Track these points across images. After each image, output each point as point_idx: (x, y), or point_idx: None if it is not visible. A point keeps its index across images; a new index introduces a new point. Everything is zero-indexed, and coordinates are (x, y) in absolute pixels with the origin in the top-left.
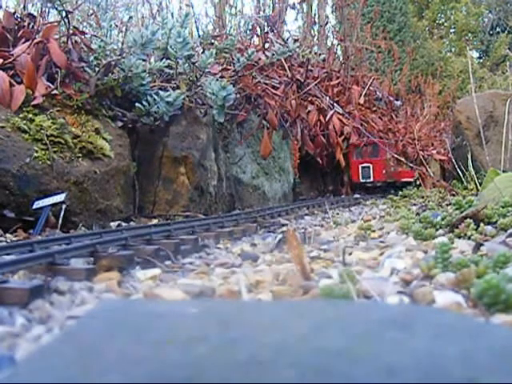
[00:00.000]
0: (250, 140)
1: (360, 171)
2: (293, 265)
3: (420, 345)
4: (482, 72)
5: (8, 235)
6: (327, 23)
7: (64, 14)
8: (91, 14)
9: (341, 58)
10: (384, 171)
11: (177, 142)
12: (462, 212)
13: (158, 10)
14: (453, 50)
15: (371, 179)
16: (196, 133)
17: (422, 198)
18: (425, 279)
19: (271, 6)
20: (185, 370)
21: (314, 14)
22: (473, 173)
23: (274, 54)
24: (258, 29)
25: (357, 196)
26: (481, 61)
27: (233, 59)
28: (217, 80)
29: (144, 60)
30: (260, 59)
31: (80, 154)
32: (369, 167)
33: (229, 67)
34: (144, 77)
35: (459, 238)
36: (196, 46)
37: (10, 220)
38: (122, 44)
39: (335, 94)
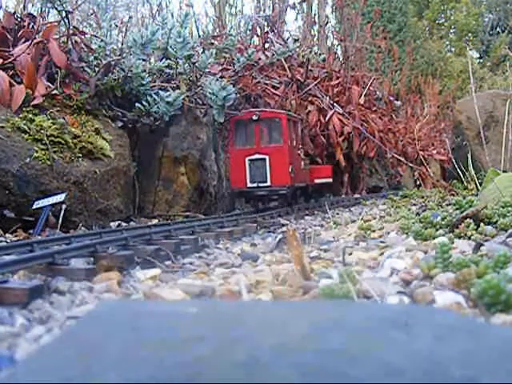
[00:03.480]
0: None
1: (247, 169)
2: (293, 265)
3: (420, 345)
4: (482, 72)
5: (8, 235)
6: (327, 23)
7: (64, 14)
8: (91, 14)
9: (341, 58)
10: (290, 168)
11: (177, 142)
12: (462, 212)
13: (157, 10)
14: (453, 50)
15: (268, 183)
16: (196, 133)
17: (422, 197)
18: (425, 279)
19: (271, 6)
20: (185, 370)
21: (314, 14)
22: (473, 173)
23: (274, 54)
24: (258, 29)
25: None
26: (481, 61)
27: (233, 59)
28: (217, 80)
29: (144, 60)
30: (260, 59)
31: (80, 154)
32: (264, 161)
33: (229, 67)
34: (144, 77)
35: (459, 238)
36: (196, 46)
37: (10, 220)
38: (122, 44)
39: (335, 94)
